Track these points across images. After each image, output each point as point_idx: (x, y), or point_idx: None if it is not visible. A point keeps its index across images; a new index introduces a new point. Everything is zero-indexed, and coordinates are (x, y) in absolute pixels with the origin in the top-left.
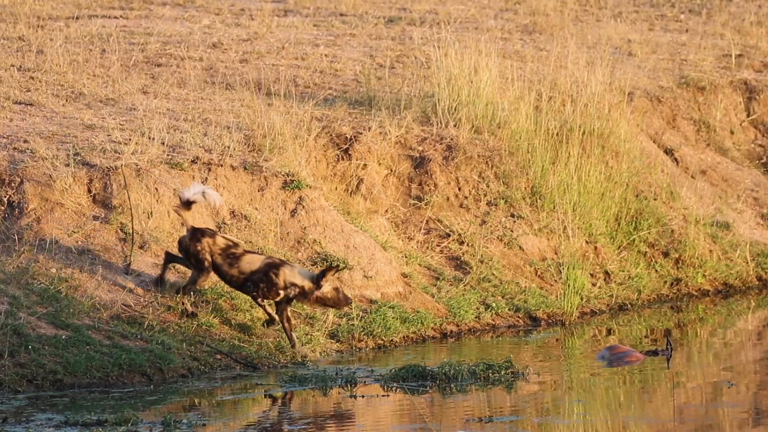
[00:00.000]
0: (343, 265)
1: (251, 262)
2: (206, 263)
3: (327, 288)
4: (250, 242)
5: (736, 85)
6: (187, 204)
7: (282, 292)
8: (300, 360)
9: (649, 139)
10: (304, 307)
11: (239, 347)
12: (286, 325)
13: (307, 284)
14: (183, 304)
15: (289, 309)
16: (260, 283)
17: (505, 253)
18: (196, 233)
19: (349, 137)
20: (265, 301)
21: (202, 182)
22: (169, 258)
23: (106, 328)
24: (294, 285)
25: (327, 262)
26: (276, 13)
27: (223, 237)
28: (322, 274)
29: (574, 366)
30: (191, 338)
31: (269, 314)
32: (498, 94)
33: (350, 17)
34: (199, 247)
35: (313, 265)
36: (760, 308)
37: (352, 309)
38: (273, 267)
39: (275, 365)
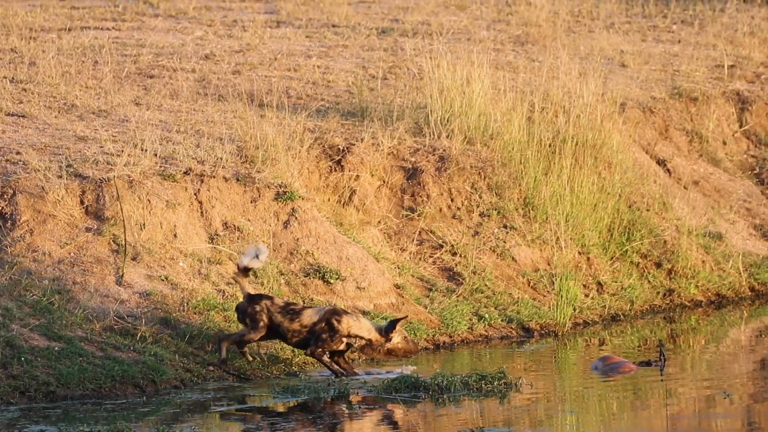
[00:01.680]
0: (406, 315)
1: (311, 316)
2: (261, 323)
3: (397, 339)
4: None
5: (729, 95)
6: (245, 271)
7: (345, 340)
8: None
9: (642, 150)
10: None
11: (232, 359)
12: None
13: (375, 336)
14: (221, 349)
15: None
16: (322, 333)
17: (498, 264)
18: (254, 298)
19: (341, 148)
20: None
21: (194, 194)
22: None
23: (99, 339)
24: (359, 337)
25: (320, 273)
26: (268, 24)
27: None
28: (392, 326)
29: (567, 377)
30: (184, 350)
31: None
32: (490, 105)
33: (343, 28)
34: (258, 309)
35: (306, 276)
36: (752, 319)
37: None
38: (336, 314)
39: (267, 376)
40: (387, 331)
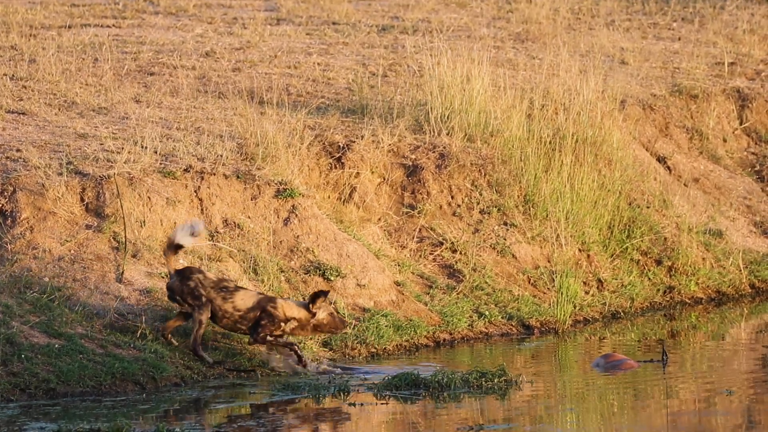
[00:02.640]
0: (329, 289)
1: (245, 299)
2: (204, 298)
3: (322, 314)
4: (243, 251)
5: (729, 93)
6: (176, 248)
7: (283, 325)
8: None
9: (642, 147)
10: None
11: (232, 356)
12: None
13: (303, 314)
14: (202, 357)
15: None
16: (261, 320)
17: (498, 261)
18: (184, 272)
19: (341, 146)
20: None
21: (194, 191)
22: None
23: (99, 336)
24: (293, 318)
25: (320, 270)
26: (268, 21)
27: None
28: (313, 300)
29: (568, 374)
30: (184, 347)
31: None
32: (491, 102)
33: (343, 26)
34: (192, 284)
35: (306, 274)
36: (753, 316)
37: (348, 329)
38: (269, 301)
39: (267, 373)
40: (308, 305)
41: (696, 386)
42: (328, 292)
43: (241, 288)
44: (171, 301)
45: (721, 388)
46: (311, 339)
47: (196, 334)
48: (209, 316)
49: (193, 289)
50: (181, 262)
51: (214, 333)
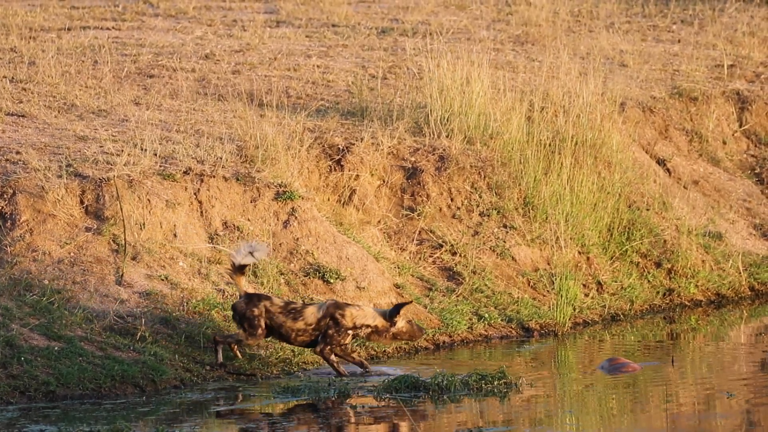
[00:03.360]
0: (411, 300)
1: (314, 313)
2: (260, 330)
3: (401, 323)
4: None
5: (729, 95)
6: (240, 269)
7: (351, 332)
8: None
9: (642, 150)
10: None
11: (232, 359)
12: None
13: (380, 322)
14: (216, 352)
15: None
16: (328, 330)
17: (498, 263)
18: (252, 299)
19: (341, 148)
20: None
21: (194, 194)
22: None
23: (99, 339)
24: (366, 325)
25: (320, 273)
26: (268, 24)
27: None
28: (396, 310)
29: (567, 377)
30: (183, 350)
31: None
32: (490, 104)
33: (342, 28)
34: (256, 312)
35: (305, 276)
36: (752, 318)
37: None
38: (338, 308)
39: (267, 376)
40: (392, 315)
41: (696, 389)
42: (411, 302)
43: (310, 304)
44: (235, 322)
45: (721, 390)
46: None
47: (228, 339)
48: (253, 344)
49: (254, 318)
50: (180, 264)
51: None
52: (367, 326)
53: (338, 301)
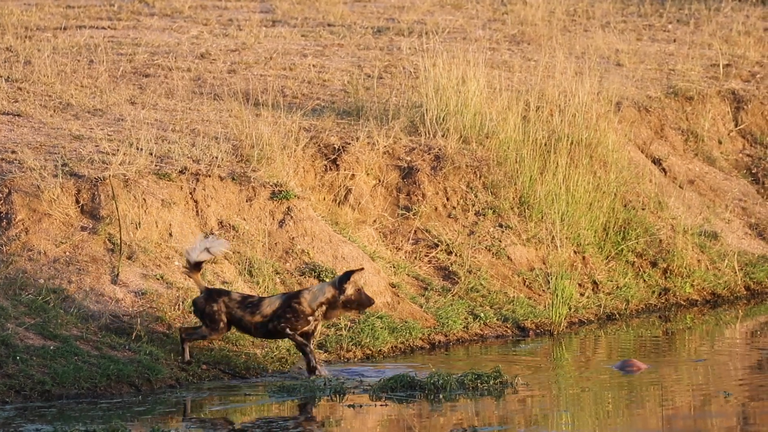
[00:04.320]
0: (362, 267)
1: (271, 304)
2: (221, 324)
3: (351, 290)
4: (238, 253)
5: (724, 94)
6: (197, 266)
7: (311, 318)
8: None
9: (637, 149)
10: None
11: (227, 357)
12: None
13: (331, 293)
14: (183, 351)
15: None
16: (286, 314)
17: (494, 263)
18: (212, 294)
19: (337, 147)
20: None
21: (190, 193)
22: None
23: (95, 338)
24: (321, 303)
25: (315, 272)
26: (264, 23)
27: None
28: (346, 277)
29: (563, 376)
30: (179, 349)
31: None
32: (486, 104)
33: (338, 27)
34: (215, 308)
35: (301, 275)
36: (748, 318)
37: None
38: (294, 297)
39: (263, 375)
40: (341, 282)
41: (691, 388)
42: (362, 269)
43: (266, 297)
44: (196, 317)
45: (718, 390)
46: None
47: (193, 336)
48: (218, 338)
49: (214, 313)
50: (176, 264)
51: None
52: (322, 303)
53: (291, 293)
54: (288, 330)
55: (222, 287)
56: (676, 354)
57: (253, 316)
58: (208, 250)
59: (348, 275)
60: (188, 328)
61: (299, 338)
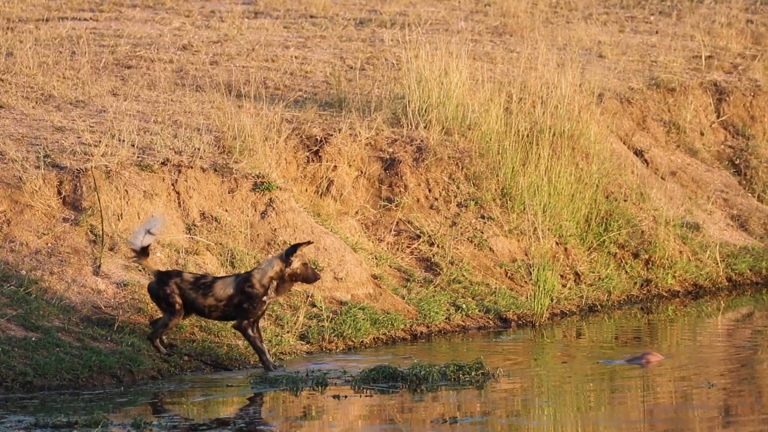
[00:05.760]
0: (311, 240)
1: (225, 287)
2: (177, 305)
3: (297, 264)
4: (221, 244)
5: (706, 86)
6: (143, 251)
7: (266, 299)
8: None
9: (619, 141)
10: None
11: (209, 349)
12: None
13: (279, 266)
14: (158, 348)
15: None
16: (242, 304)
17: (476, 254)
18: (163, 277)
19: (319, 139)
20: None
21: (172, 184)
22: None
23: (76, 330)
24: (271, 278)
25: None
26: (246, 15)
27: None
28: (293, 250)
29: (544, 368)
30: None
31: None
32: (468, 95)
33: (320, 19)
34: (168, 290)
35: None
36: (730, 309)
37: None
38: (245, 282)
39: (245, 366)
40: (288, 254)
41: (673, 379)
42: (310, 242)
43: (219, 278)
44: (153, 302)
45: (700, 381)
46: (288, 333)
47: (158, 330)
48: (178, 323)
49: (168, 296)
50: (158, 255)
51: (191, 326)
52: (272, 278)
53: (246, 274)
54: (249, 330)
55: (176, 269)
56: (658, 346)
57: (205, 298)
58: (149, 232)
59: (294, 248)
60: (154, 321)
61: (251, 333)
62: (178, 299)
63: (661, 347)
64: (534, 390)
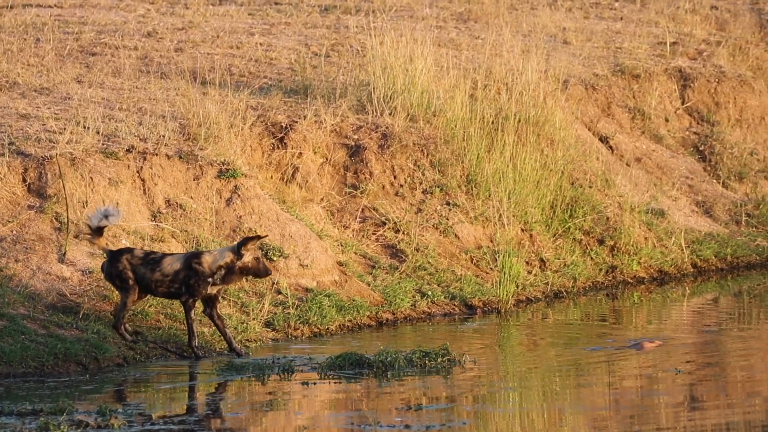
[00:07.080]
0: (264, 234)
1: (173, 263)
2: (131, 281)
3: (248, 257)
4: (186, 231)
5: (671, 72)
6: (98, 231)
7: (211, 280)
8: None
9: (584, 127)
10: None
11: (175, 336)
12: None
13: (230, 257)
14: (123, 335)
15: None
16: (189, 280)
17: (441, 241)
18: (114, 254)
19: (284, 126)
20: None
21: (137, 172)
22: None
23: (42, 317)
24: (220, 266)
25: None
26: (211, 1)
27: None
28: (244, 243)
29: (510, 354)
30: (126, 327)
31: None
32: (433, 82)
33: (285, 6)
34: (120, 267)
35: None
36: (695, 295)
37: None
38: (194, 257)
39: (211, 354)
40: (239, 247)
41: (639, 366)
42: (263, 237)
43: (168, 254)
44: (107, 281)
45: (667, 367)
46: (254, 320)
47: (119, 314)
48: (135, 299)
49: (120, 272)
50: (123, 242)
51: (156, 313)
52: (221, 267)
53: (195, 251)
54: (189, 301)
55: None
56: (623, 333)
57: (153, 273)
58: (106, 217)
59: (245, 241)
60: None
61: (192, 315)
62: (131, 274)
63: (626, 334)
64: (500, 376)
